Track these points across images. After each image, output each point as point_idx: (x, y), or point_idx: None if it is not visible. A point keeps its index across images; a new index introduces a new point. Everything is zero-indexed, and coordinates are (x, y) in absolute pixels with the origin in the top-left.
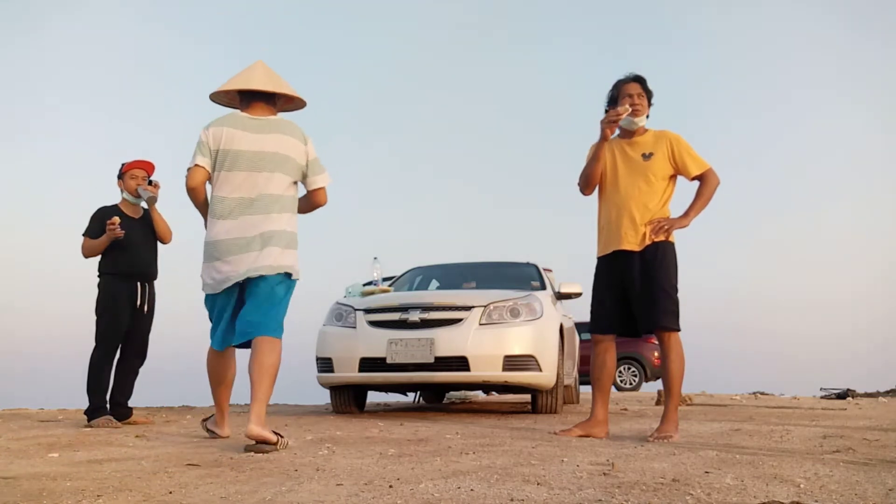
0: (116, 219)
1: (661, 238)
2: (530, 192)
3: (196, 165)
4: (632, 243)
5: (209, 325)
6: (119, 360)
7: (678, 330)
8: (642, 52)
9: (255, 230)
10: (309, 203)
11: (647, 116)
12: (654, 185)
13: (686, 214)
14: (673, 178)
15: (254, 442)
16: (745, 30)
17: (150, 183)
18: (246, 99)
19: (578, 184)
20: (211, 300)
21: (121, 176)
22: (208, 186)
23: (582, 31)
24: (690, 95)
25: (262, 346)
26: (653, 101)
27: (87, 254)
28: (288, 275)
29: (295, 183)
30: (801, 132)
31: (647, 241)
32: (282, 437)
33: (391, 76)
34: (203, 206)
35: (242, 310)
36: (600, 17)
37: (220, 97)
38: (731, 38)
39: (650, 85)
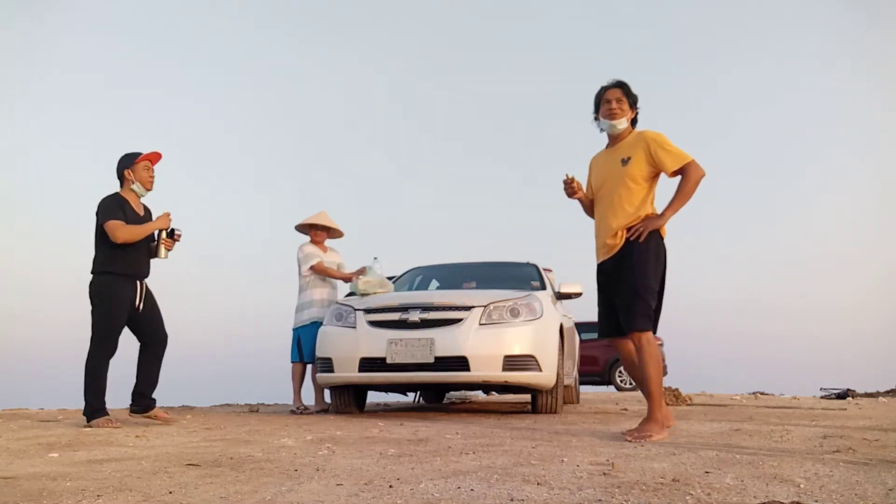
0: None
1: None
2: (531, 191)
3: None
4: (604, 255)
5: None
6: (141, 350)
7: (647, 330)
8: (646, 62)
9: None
10: None
11: (636, 120)
12: (633, 190)
13: (662, 214)
14: (655, 177)
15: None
16: (747, 29)
17: (171, 233)
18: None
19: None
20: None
21: (130, 165)
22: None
23: (579, 28)
24: (690, 96)
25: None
26: (638, 104)
27: (127, 238)
28: None
29: None
30: (802, 132)
31: (620, 241)
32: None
33: (393, 77)
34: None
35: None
36: (599, 16)
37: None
38: (733, 38)
39: (637, 89)
